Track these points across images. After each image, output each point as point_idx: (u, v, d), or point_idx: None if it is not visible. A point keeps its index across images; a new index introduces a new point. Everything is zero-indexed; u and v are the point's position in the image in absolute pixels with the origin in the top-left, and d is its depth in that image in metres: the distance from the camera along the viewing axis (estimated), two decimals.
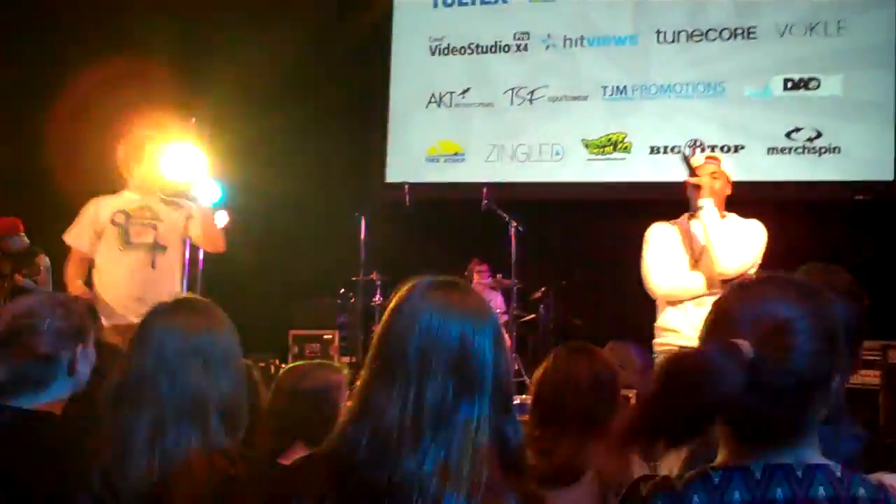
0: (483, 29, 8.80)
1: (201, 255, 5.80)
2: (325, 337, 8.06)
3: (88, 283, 4.65)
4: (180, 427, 1.85)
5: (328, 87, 8.82)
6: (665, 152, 8.12)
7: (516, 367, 7.46)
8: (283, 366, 7.40)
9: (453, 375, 1.45)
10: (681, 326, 3.81)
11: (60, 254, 4.87)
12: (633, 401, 6.28)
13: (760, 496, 1.31)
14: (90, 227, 4.61)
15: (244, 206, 6.70)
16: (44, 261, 7.32)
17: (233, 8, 8.84)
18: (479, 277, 8.23)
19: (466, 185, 8.26)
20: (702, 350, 1.34)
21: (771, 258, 3.98)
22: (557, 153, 8.52)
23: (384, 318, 1.54)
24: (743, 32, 7.99)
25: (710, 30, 8.09)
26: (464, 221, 8.24)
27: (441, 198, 8.33)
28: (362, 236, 7.55)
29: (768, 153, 7.82)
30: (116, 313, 4.43)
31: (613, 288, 8.31)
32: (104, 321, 4.43)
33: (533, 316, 7.91)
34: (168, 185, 4.74)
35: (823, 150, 7.71)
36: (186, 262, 4.83)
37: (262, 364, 7.25)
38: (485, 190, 7.28)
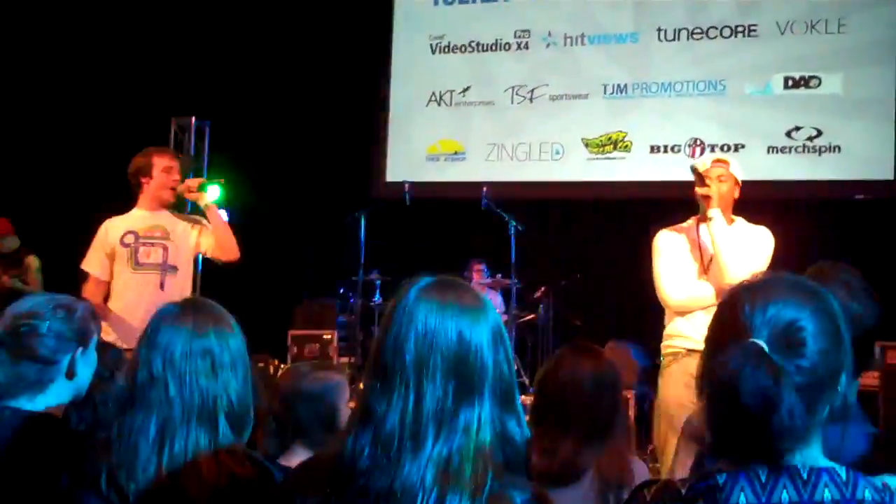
0: (484, 27, 8.81)
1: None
2: (325, 337, 8.05)
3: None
4: (189, 428, 1.86)
5: (328, 86, 8.82)
6: (665, 151, 8.12)
7: (515, 368, 7.44)
8: (283, 366, 7.42)
9: (452, 377, 1.43)
10: (689, 332, 3.84)
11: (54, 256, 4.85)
12: (631, 401, 6.31)
13: (766, 499, 1.30)
14: (102, 251, 4.54)
15: (243, 206, 6.70)
16: (34, 261, 7.30)
17: (234, 9, 8.83)
18: (478, 277, 8.23)
19: (467, 184, 8.26)
20: (727, 355, 1.33)
21: (771, 257, 3.99)
22: (558, 152, 8.52)
23: (382, 322, 1.53)
24: (744, 30, 7.99)
25: (710, 28, 8.09)
26: (464, 220, 8.25)
27: (441, 197, 8.33)
28: (362, 235, 7.55)
29: (769, 152, 7.82)
30: (122, 338, 4.40)
31: (613, 288, 8.32)
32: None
33: (532, 316, 7.91)
34: (180, 199, 4.67)
35: (824, 149, 7.71)
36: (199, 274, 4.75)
37: (261, 364, 7.24)
38: (485, 189, 7.28)
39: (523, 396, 1.61)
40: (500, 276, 8.02)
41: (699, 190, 3.96)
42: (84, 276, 4.56)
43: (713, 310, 1.47)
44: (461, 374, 1.44)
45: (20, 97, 8.30)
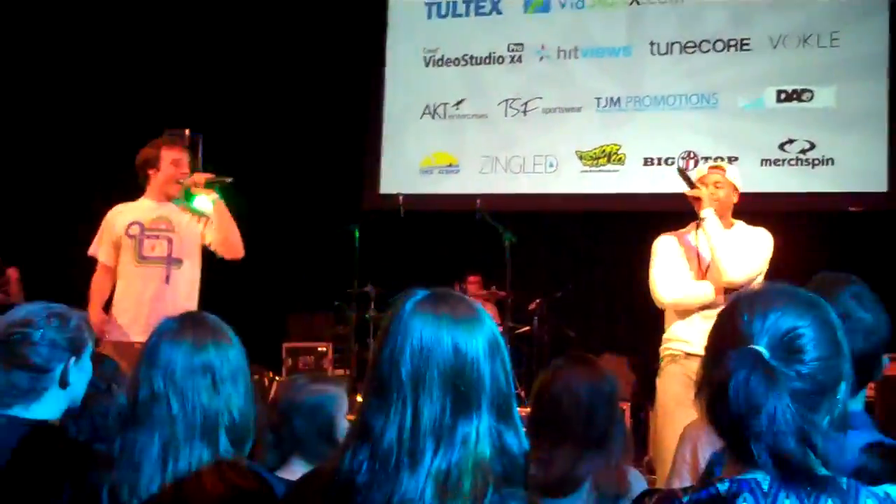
0: (477, 40, 8.82)
1: None
2: (319, 349, 8.04)
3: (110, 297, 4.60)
4: (192, 445, 1.87)
5: (322, 98, 8.82)
6: (659, 164, 8.13)
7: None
8: (277, 378, 7.40)
9: (449, 390, 1.43)
10: (689, 337, 3.86)
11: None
12: (627, 413, 6.32)
13: None
14: (108, 239, 4.55)
15: (237, 217, 6.68)
16: (14, 273, 7.28)
17: (228, 19, 8.84)
18: (473, 289, 8.22)
19: (460, 196, 8.26)
20: (728, 359, 1.33)
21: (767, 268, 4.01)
22: (551, 165, 8.53)
23: (378, 336, 1.53)
24: (736, 44, 8.02)
25: (703, 41, 8.12)
26: (458, 233, 8.25)
27: (435, 209, 8.33)
28: (356, 248, 7.54)
29: (762, 165, 7.84)
30: (122, 330, 4.39)
31: (608, 299, 8.33)
32: (109, 337, 4.42)
33: (527, 328, 7.90)
34: (186, 189, 4.62)
35: (817, 162, 7.74)
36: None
37: (256, 377, 7.22)
38: (479, 201, 7.29)
39: (520, 408, 1.60)
40: (494, 288, 8.02)
41: (688, 193, 3.99)
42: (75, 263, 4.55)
43: (713, 316, 1.47)
44: (458, 387, 1.43)
45: (7, 108, 8.27)
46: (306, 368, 7.71)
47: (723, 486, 1.32)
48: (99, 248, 4.58)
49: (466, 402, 1.43)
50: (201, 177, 4.60)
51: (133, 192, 4.77)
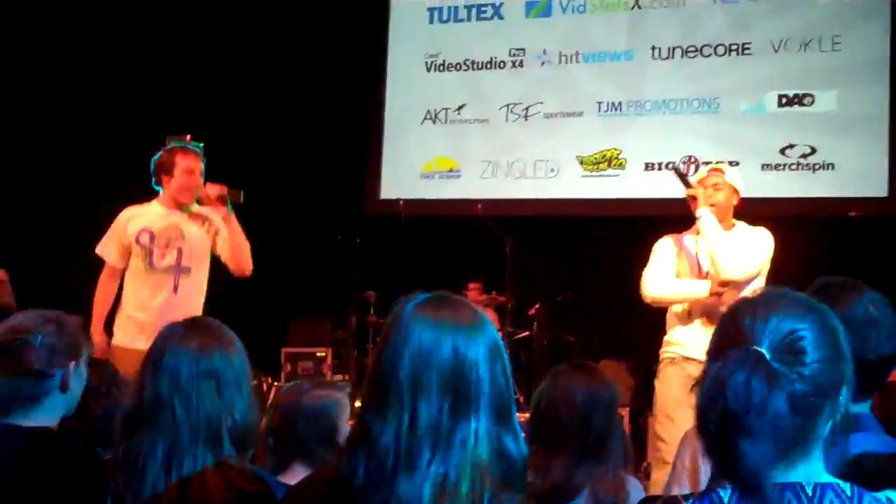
0: (479, 45, 8.82)
1: None
2: (319, 355, 8.02)
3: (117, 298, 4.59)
4: (196, 450, 1.87)
5: (322, 103, 8.83)
6: (660, 168, 8.12)
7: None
8: (276, 384, 7.39)
9: (448, 393, 1.43)
10: (688, 342, 3.86)
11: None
12: (625, 418, 6.31)
13: None
14: (118, 241, 4.54)
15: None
16: (3, 274, 7.26)
17: (232, 26, 8.84)
18: (473, 296, 8.21)
19: (461, 201, 8.26)
20: (726, 358, 1.33)
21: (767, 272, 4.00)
22: (552, 170, 8.52)
23: (378, 339, 1.53)
24: (737, 48, 8.02)
25: (704, 46, 8.12)
26: (459, 238, 8.24)
27: (436, 214, 8.32)
28: (357, 253, 7.54)
29: (762, 169, 7.83)
30: (129, 338, 4.38)
31: (608, 305, 8.32)
32: (115, 342, 4.42)
33: (527, 333, 7.90)
34: (200, 197, 4.60)
35: (818, 167, 7.73)
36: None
37: (255, 382, 7.19)
38: (479, 206, 7.28)
39: (519, 414, 1.59)
40: (494, 293, 8.01)
41: (685, 192, 4.01)
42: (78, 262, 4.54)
43: (713, 322, 1.47)
44: (457, 390, 1.43)
45: (6, 109, 8.26)
46: (305, 374, 7.70)
47: (724, 493, 1.32)
48: (107, 249, 4.58)
49: (465, 406, 1.43)
50: (214, 189, 4.57)
51: (132, 194, 4.77)
